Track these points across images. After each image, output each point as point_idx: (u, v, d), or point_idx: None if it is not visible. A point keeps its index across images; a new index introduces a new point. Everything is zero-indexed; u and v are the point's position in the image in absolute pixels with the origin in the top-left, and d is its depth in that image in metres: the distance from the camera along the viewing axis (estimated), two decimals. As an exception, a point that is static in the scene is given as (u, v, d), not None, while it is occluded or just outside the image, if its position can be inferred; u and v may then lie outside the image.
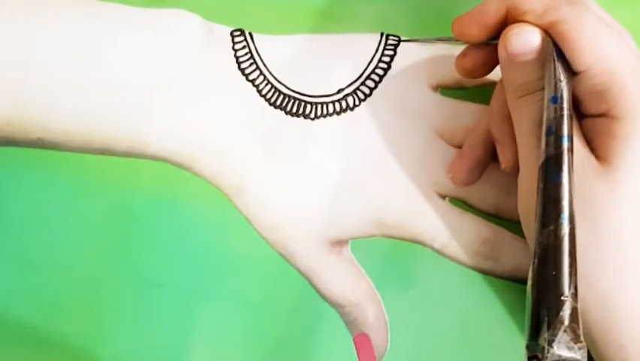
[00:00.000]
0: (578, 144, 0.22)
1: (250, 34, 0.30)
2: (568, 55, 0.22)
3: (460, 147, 0.29)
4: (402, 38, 0.30)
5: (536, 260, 0.20)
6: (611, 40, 0.21)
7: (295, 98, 0.29)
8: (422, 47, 0.30)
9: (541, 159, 0.21)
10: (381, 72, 0.30)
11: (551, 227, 0.20)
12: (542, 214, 0.20)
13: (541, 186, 0.21)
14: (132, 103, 0.29)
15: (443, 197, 0.29)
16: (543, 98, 0.22)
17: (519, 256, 0.28)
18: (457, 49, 0.28)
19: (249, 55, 0.30)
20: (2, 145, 0.29)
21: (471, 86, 0.30)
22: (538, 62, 0.22)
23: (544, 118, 0.22)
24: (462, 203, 0.29)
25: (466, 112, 0.29)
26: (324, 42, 0.30)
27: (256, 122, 0.29)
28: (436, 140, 0.29)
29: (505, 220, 0.28)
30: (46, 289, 0.28)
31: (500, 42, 0.23)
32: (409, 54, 0.30)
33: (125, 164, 0.29)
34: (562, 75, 0.22)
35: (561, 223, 0.20)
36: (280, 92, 0.29)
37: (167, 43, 0.29)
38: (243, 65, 0.29)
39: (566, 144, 0.21)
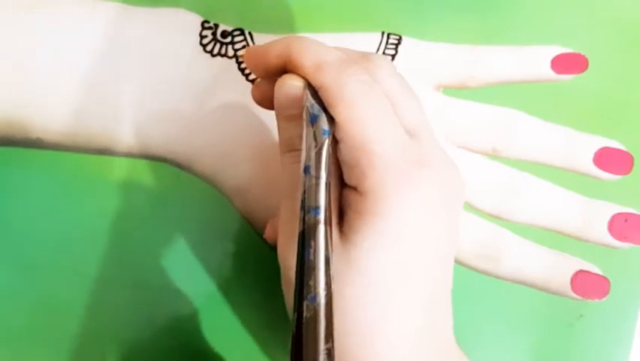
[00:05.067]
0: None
1: (250, 34, 0.30)
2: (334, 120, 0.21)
3: (461, 147, 0.29)
4: (403, 37, 0.30)
5: (291, 337, 0.19)
6: (368, 113, 0.20)
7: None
8: (424, 47, 0.30)
9: (298, 231, 0.20)
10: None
11: (299, 308, 0.19)
12: (295, 292, 0.19)
13: (296, 263, 0.20)
14: (132, 103, 0.29)
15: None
16: None
17: (520, 257, 0.28)
18: (463, 48, 0.28)
19: (249, 55, 0.29)
20: (2, 145, 0.29)
21: (474, 86, 0.30)
22: (301, 120, 0.21)
23: (300, 189, 0.20)
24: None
25: (468, 112, 0.29)
26: (324, 41, 0.30)
27: (256, 122, 0.29)
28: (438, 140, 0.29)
29: (506, 221, 0.28)
30: (46, 289, 0.28)
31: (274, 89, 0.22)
32: (410, 53, 0.30)
33: (124, 164, 0.29)
34: (313, 142, 0.20)
35: (307, 306, 0.19)
36: (280, 92, 0.29)
37: (167, 43, 0.29)
38: (243, 65, 0.29)
39: (320, 216, 0.19)
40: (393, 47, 0.30)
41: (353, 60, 0.22)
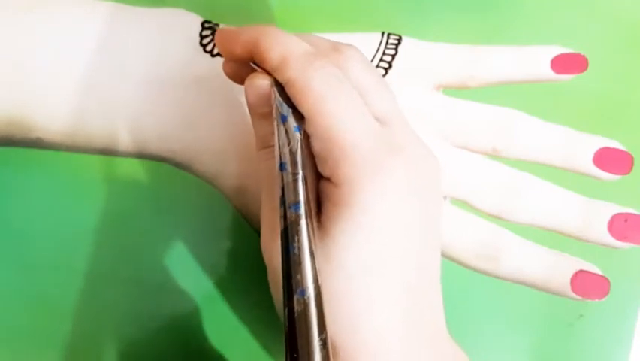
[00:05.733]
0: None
1: (250, 33, 0.30)
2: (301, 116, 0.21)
3: (461, 147, 0.29)
4: (403, 37, 0.30)
5: (284, 331, 0.19)
6: (336, 106, 0.20)
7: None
8: (424, 47, 0.30)
9: (281, 228, 0.20)
10: (382, 72, 0.29)
11: (290, 303, 0.19)
12: (284, 288, 0.19)
13: (282, 259, 0.20)
14: (132, 102, 0.29)
15: (444, 197, 0.29)
16: None
17: (520, 257, 0.28)
18: (463, 48, 0.28)
19: (249, 54, 0.30)
20: (2, 145, 0.29)
21: (474, 86, 0.30)
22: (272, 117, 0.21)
23: (277, 186, 0.21)
24: (463, 203, 0.29)
25: (468, 112, 0.29)
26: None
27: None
28: (438, 140, 0.29)
29: (506, 221, 0.28)
30: (46, 289, 0.28)
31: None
32: (410, 53, 0.30)
33: (124, 164, 0.29)
34: (286, 140, 0.21)
35: (298, 300, 0.19)
36: (280, 92, 0.29)
37: (167, 43, 0.29)
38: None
39: (300, 211, 0.20)
40: (393, 47, 0.30)
41: (320, 52, 0.22)
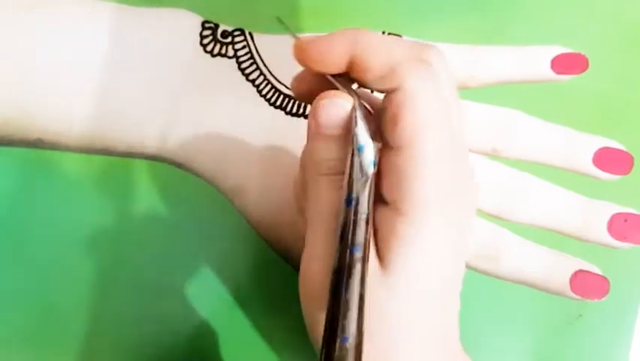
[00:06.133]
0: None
1: (250, 34, 0.30)
2: (388, 127, 0.19)
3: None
4: (403, 38, 0.30)
5: None
6: (434, 123, 0.19)
7: (295, 98, 0.29)
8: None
9: (334, 265, 0.19)
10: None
11: (330, 346, 0.18)
12: (325, 329, 0.19)
13: (329, 297, 0.19)
14: (132, 103, 0.29)
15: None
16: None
17: (520, 257, 0.28)
18: (463, 48, 0.28)
19: (249, 55, 0.29)
20: (2, 145, 0.29)
21: (474, 86, 0.30)
22: (344, 141, 0.20)
23: (339, 219, 0.19)
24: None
25: (469, 112, 0.29)
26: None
27: (256, 122, 0.29)
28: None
29: (506, 221, 0.28)
30: (45, 289, 0.28)
31: (311, 107, 0.20)
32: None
33: (125, 164, 0.29)
34: (360, 172, 0.19)
35: (340, 346, 0.18)
36: (280, 92, 0.29)
37: (167, 43, 0.29)
38: (243, 65, 0.29)
39: (359, 254, 0.19)
40: (394, 46, 0.30)
41: (419, 58, 0.20)
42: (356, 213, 0.19)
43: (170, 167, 0.29)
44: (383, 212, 0.20)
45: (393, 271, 0.19)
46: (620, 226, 0.29)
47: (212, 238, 0.28)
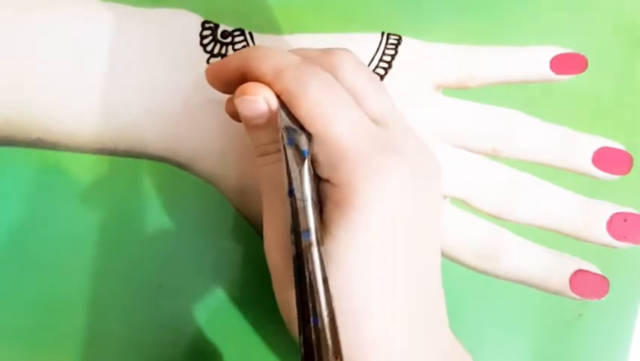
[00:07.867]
0: None
1: (250, 34, 0.30)
2: (300, 122, 0.21)
3: (461, 147, 0.29)
4: (403, 37, 0.30)
5: (300, 357, 0.19)
6: (332, 109, 0.21)
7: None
8: (424, 47, 0.30)
9: (292, 253, 0.20)
10: (382, 72, 0.29)
11: (305, 330, 0.19)
12: (298, 314, 0.20)
13: (295, 284, 0.20)
14: (132, 102, 0.29)
15: (444, 197, 0.29)
16: (280, 160, 0.21)
17: (520, 257, 0.28)
18: (462, 49, 0.28)
19: (249, 55, 0.30)
20: (2, 145, 0.28)
21: (474, 86, 0.30)
22: (270, 126, 0.22)
23: (286, 210, 0.21)
24: (463, 203, 0.29)
25: (468, 112, 0.29)
26: (324, 41, 0.30)
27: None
28: (438, 140, 0.29)
29: (506, 221, 0.28)
30: (46, 289, 0.28)
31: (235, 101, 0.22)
32: (410, 54, 0.30)
33: (125, 164, 0.29)
34: (294, 164, 0.21)
35: (313, 327, 0.19)
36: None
37: (168, 43, 0.29)
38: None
39: (311, 238, 0.20)
40: (393, 47, 0.30)
41: (311, 60, 0.22)
42: (298, 201, 0.20)
43: (170, 167, 0.29)
44: (325, 187, 0.21)
45: (332, 235, 0.20)
46: (619, 225, 0.29)
47: (212, 237, 0.28)
